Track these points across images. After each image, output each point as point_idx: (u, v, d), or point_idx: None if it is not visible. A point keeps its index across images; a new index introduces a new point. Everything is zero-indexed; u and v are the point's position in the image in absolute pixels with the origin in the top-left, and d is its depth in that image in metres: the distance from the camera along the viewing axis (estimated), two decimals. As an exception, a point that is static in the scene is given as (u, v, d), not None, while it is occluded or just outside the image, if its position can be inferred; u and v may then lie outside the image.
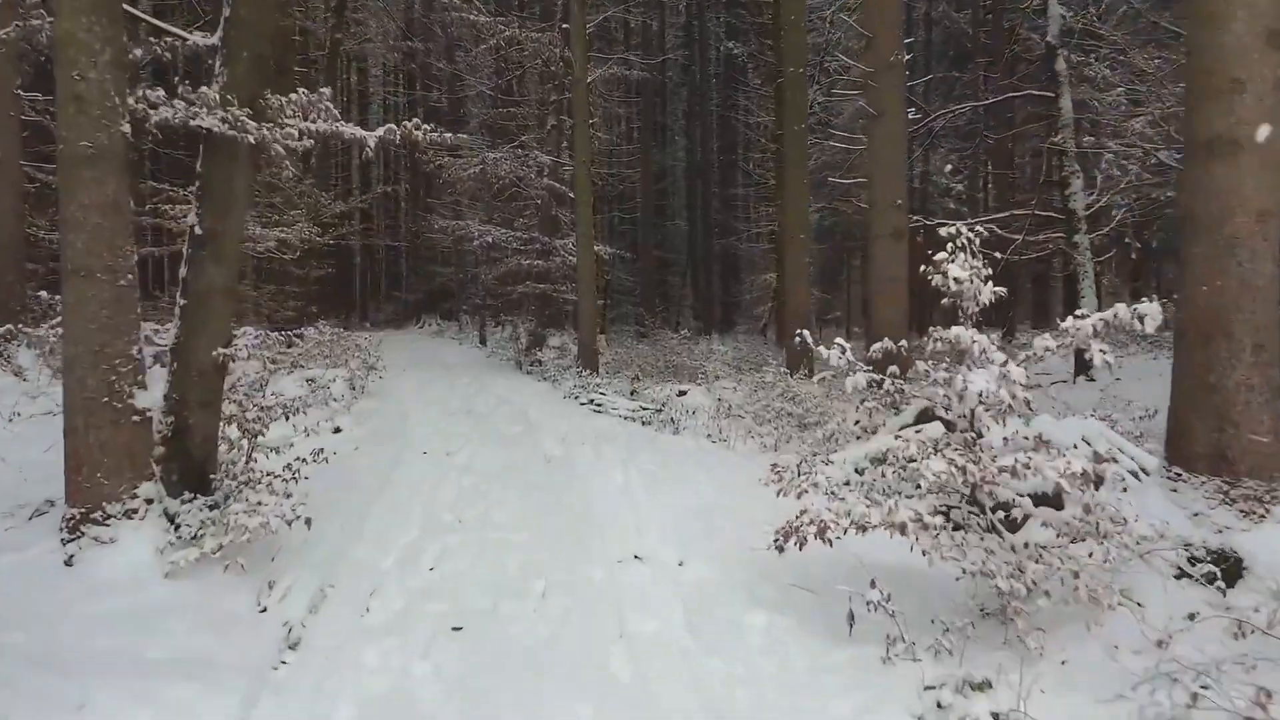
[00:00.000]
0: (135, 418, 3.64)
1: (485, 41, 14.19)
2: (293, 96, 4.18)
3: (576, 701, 2.83)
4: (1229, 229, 3.73)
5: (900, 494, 3.53)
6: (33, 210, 10.26)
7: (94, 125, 3.47)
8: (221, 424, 4.33)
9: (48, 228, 10.16)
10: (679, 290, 26.14)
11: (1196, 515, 3.75)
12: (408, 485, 5.63)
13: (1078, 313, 3.21)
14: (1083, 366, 10.66)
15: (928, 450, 3.24)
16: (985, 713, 2.70)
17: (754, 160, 21.36)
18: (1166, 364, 10.58)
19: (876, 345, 3.73)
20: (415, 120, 4.55)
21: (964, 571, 3.25)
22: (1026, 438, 3.38)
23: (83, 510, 3.53)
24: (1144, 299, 3.06)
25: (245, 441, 4.36)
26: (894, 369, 3.82)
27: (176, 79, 3.92)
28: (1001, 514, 3.51)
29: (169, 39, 4.18)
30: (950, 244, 3.40)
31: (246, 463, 4.33)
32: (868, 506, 3.26)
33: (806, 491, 3.51)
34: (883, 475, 3.58)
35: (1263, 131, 3.58)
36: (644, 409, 9.04)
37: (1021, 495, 3.46)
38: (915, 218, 11.38)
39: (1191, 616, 3.19)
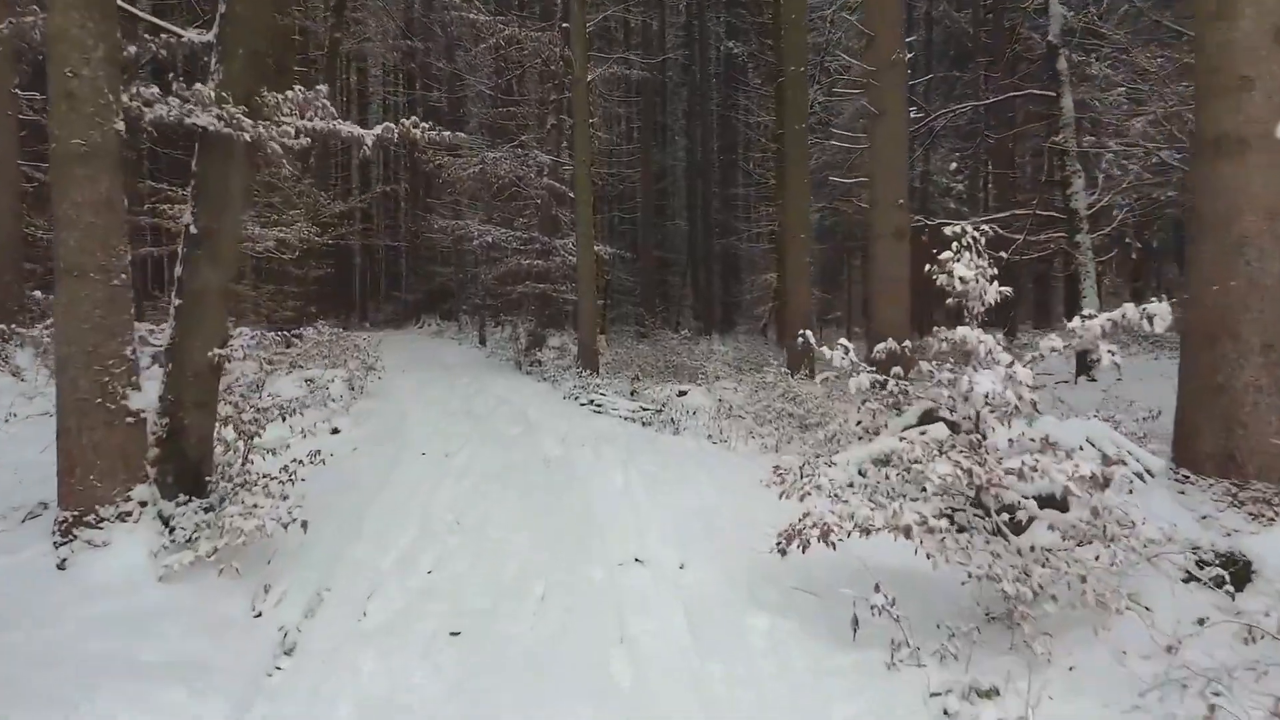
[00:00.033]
0: (129, 419, 3.59)
1: (485, 40, 14.15)
2: (289, 94, 4.13)
3: (576, 707, 2.79)
4: (1237, 228, 3.68)
5: (905, 496, 3.49)
6: (30, 210, 10.22)
7: (87, 123, 3.42)
8: (217, 425, 4.29)
9: (45, 227, 10.11)
10: (679, 290, 26.10)
11: (1204, 518, 3.70)
12: (406, 486, 5.58)
13: (1085, 313, 3.16)
14: (1084, 367, 10.62)
15: (933, 452, 3.19)
16: (993, 720, 2.66)
17: (754, 160, 21.32)
18: (1169, 364, 10.57)
19: (880, 346, 3.68)
20: (413, 118, 4.51)
21: (970, 575, 3.20)
22: (1033, 439, 3.33)
23: (76, 513, 3.48)
24: (1151, 299, 3.01)
25: (241, 443, 4.31)
26: (898, 370, 3.77)
27: (171, 76, 3.85)
28: (1006, 516, 3.46)
29: (164, 36, 4.13)
30: (955, 243, 3.35)
31: (242, 464, 4.28)
32: (872, 509, 3.22)
33: (809, 494, 3.46)
34: (886, 477, 3.53)
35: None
36: (644, 409, 8.99)
37: (1026, 497, 3.42)
38: (916, 217, 11.34)
39: (1201, 621, 3.14)
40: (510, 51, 14.23)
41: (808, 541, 3.27)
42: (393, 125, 4.45)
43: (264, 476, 4.13)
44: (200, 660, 2.87)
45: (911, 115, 11.11)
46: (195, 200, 4.03)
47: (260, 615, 3.33)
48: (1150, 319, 2.95)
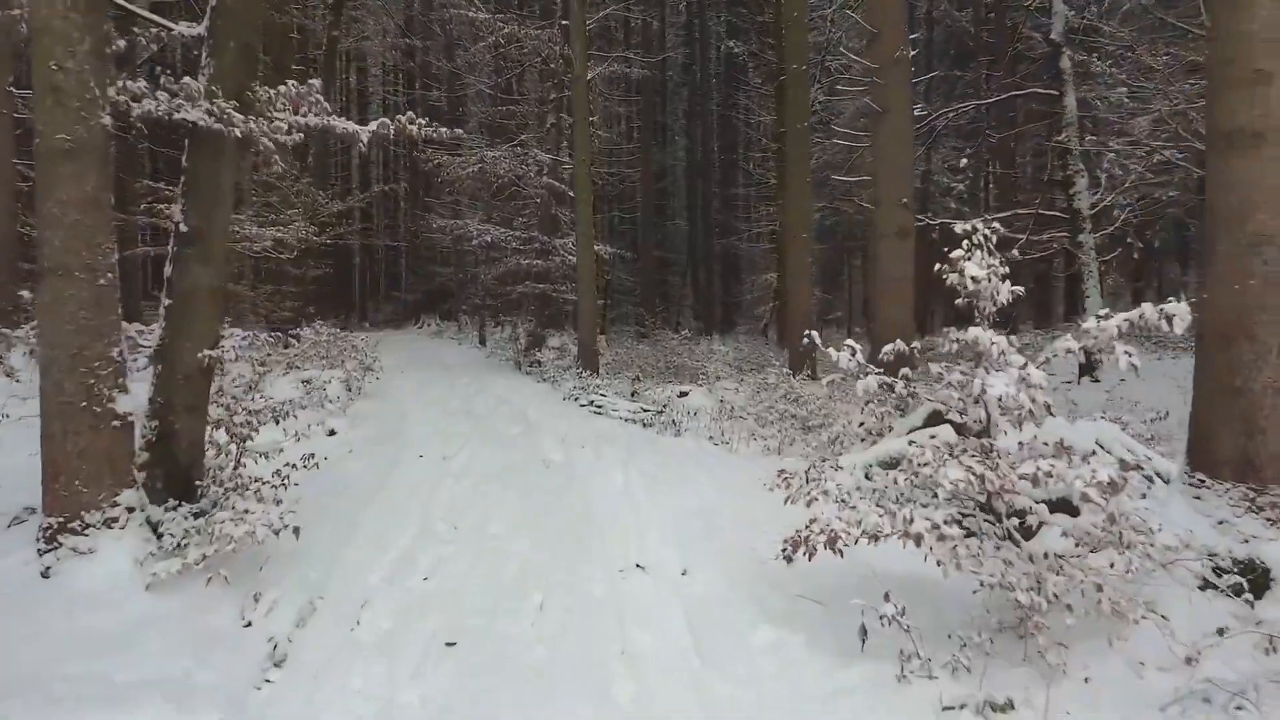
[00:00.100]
0: (115, 423, 3.49)
1: (484, 39, 14.05)
2: (282, 89, 4.03)
3: (576, 723, 2.69)
4: (1252, 225, 3.58)
5: (915, 502, 3.39)
6: (26, 208, 10.12)
7: (72, 118, 3.33)
8: (209, 428, 4.19)
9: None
10: (679, 290, 26.01)
11: (1221, 523, 3.60)
12: (403, 490, 5.48)
13: (1101, 313, 3.06)
14: (1087, 367, 10.53)
15: (943, 457, 3.10)
16: (1008, 736, 2.56)
17: (755, 159, 21.23)
18: (1172, 364, 10.46)
19: (888, 347, 3.58)
20: (409, 115, 4.41)
21: (981, 584, 3.10)
22: (1046, 443, 3.23)
23: (60, 519, 3.38)
24: (1155, 299, 2.92)
25: (233, 446, 4.22)
26: (906, 371, 3.68)
27: (159, 70, 3.74)
28: (1015, 521, 3.37)
29: (154, 29, 4.03)
30: (966, 241, 3.25)
31: (234, 468, 4.19)
32: (881, 515, 3.12)
33: (816, 499, 3.36)
34: (895, 482, 3.42)
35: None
36: (645, 410, 8.90)
37: (1037, 502, 3.33)
38: (919, 217, 11.24)
39: (1221, 631, 3.05)
40: (510, 50, 14.13)
41: (814, 549, 3.17)
42: (388, 121, 4.35)
43: (256, 481, 4.03)
44: (185, 675, 2.77)
45: (916, 113, 11.01)
46: (185, 198, 3.93)
47: (250, 625, 3.23)
48: (1169, 319, 2.85)
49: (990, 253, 3.24)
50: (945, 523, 3.08)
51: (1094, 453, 3.78)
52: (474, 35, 15.13)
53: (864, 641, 3.07)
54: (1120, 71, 11.12)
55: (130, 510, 3.50)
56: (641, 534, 4.60)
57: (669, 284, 25.54)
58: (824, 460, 4.03)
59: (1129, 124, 10.90)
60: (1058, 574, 3.09)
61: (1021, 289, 3.35)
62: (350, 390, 9.16)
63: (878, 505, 3.44)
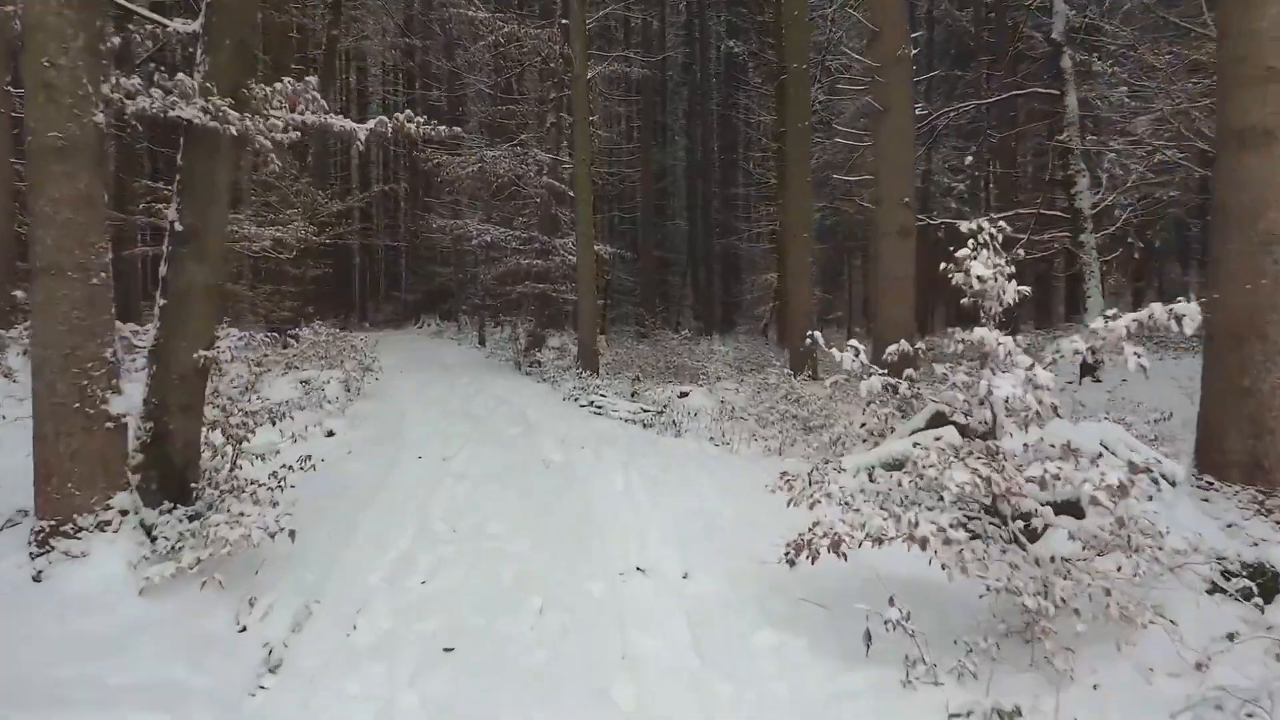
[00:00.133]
0: (108, 424, 3.45)
1: (484, 38, 14.00)
2: (278, 86, 3.98)
3: (576, 730, 2.64)
4: (1264, 224, 3.54)
5: (920, 505, 3.34)
6: (24, 208, 10.06)
7: (65, 115, 3.28)
8: (204, 430, 4.14)
9: (37, 226, 9.96)
10: (679, 290, 25.97)
11: (1230, 526, 3.56)
12: (401, 491, 5.44)
13: (1108, 313, 3.02)
14: (1088, 368, 10.48)
15: (949, 459, 3.05)
16: (1016, 745, 2.52)
17: (755, 159, 21.20)
18: (1174, 365, 10.42)
19: (892, 348, 3.53)
20: (408, 113, 4.36)
21: (988, 588, 3.05)
22: (1053, 445, 3.19)
23: (53, 522, 3.33)
24: (1169, 299, 2.87)
25: (229, 448, 4.17)
26: (910, 372, 3.63)
27: (153, 67, 3.70)
28: (1020, 523, 3.33)
29: (150, 26, 3.98)
30: (972, 240, 3.21)
31: (230, 470, 4.14)
32: (885, 518, 3.07)
33: (819, 502, 3.31)
34: (899, 484, 3.38)
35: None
36: (645, 411, 8.85)
37: (1043, 504, 3.28)
38: (920, 217, 11.20)
39: (1231, 637, 3.00)
40: (510, 49, 14.09)
41: (817, 552, 3.13)
42: (386, 119, 4.30)
43: (252, 483, 3.98)
44: (178, 681, 2.72)
45: (916, 112, 10.96)
46: (180, 196, 3.88)
47: (245, 630, 3.18)
48: (1179, 320, 2.81)
49: (996, 252, 3.20)
50: (951, 526, 3.03)
51: (1100, 455, 3.74)
52: (474, 34, 15.09)
53: (868, 646, 3.02)
54: (1122, 70, 11.07)
55: (123, 513, 3.45)
56: (642, 536, 4.55)
57: (669, 284, 25.49)
58: (827, 462, 3.97)
59: (1130, 123, 10.86)
60: (1065, 578, 3.04)
61: (1028, 289, 3.30)
62: (349, 391, 9.11)
63: (882, 508, 3.39)
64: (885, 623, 2.98)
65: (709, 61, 24.45)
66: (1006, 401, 2.97)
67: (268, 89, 3.97)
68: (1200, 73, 9.27)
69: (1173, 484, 4.15)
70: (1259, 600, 3.23)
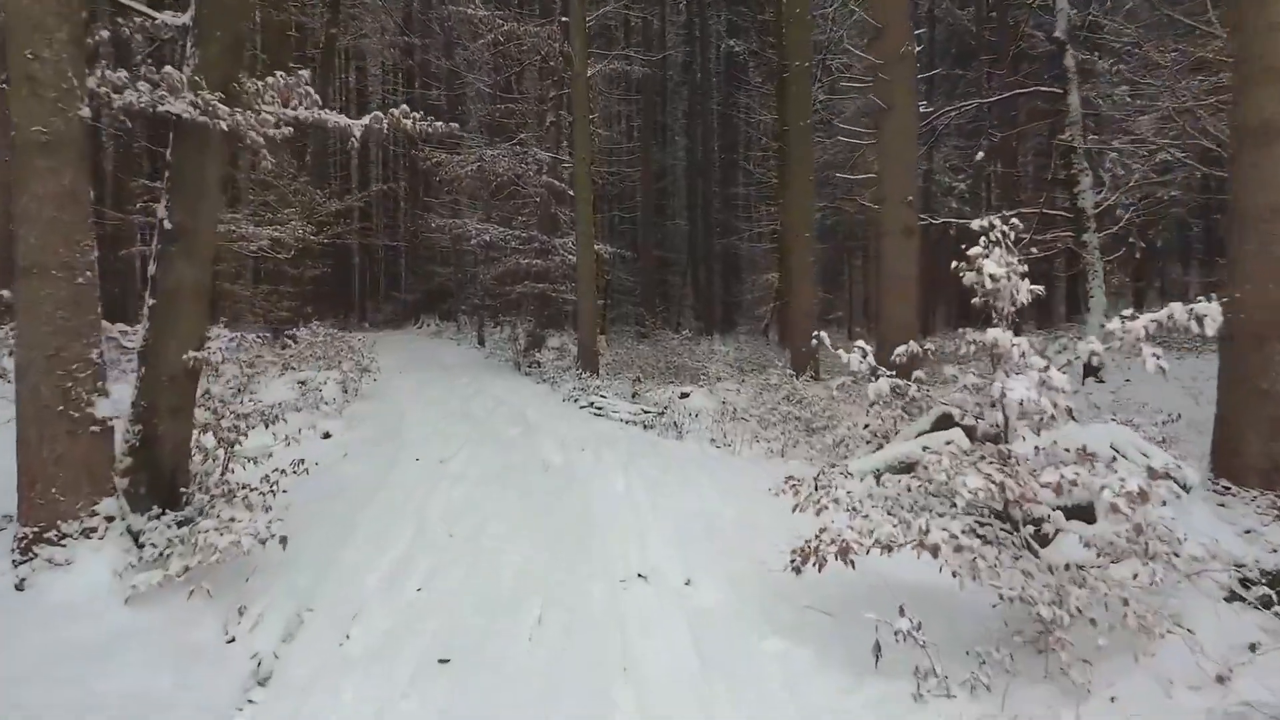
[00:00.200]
0: (94, 428, 3.35)
1: (483, 36, 13.89)
2: (270, 80, 3.89)
3: (576, 746, 2.54)
4: (1281, 222, 3.46)
5: (930, 511, 3.25)
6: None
7: (49, 109, 3.18)
8: (195, 432, 4.04)
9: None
10: (679, 290, 25.87)
11: (1248, 532, 3.47)
12: (398, 493, 5.34)
13: (1125, 313, 2.92)
14: (1091, 368, 10.39)
15: (961, 464, 2.95)
16: (1034, 762, 2.42)
17: (755, 159, 21.12)
18: (1177, 365, 10.34)
19: (900, 348, 3.44)
20: (403, 108, 4.26)
21: (1001, 597, 2.95)
22: (1067, 449, 3.09)
23: (36, 529, 3.23)
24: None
25: (221, 451, 4.07)
26: (919, 374, 3.53)
27: (139, 60, 3.60)
28: (1031, 528, 3.24)
29: (139, 19, 3.89)
30: (984, 238, 3.11)
31: (222, 474, 4.04)
32: (895, 525, 2.98)
33: (826, 508, 3.22)
34: (908, 489, 3.28)
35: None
36: (645, 412, 8.76)
37: (1055, 509, 3.19)
38: (922, 216, 11.11)
39: (1253, 647, 2.91)
40: (509, 47, 13.99)
41: (824, 560, 3.04)
42: (382, 115, 4.20)
43: (244, 487, 3.89)
44: (164, 694, 2.62)
45: (920, 110, 10.86)
46: (170, 193, 3.79)
47: (233, 640, 3.08)
48: (1200, 320, 2.71)
49: (1009, 250, 3.10)
50: (963, 533, 2.94)
51: (1115, 459, 3.65)
52: (473, 33, 14.98)
53: (878, 658, 2.92)
54: (1126, 68, 10.98)
55: (109, 519, 3.35)
56: (643, 541, 4.46)
57: (669, 284, 25.40)
58: (833, 466, 3.88)
59: (1134, 122, 10.77)
60: (1080, 586, 2.95)
61: (1040, 288, 3.21)
62: (347, 392, 9.02)
63: (890, 514, 3.30)
64: (895, 633, 2.88)
65: (709, 60, 24.36)
66: (1021, 404, 2.87)
67: (260, 83, 3.88)
68: (1205, 70, 9.17)
69: (1187, 490, 4.07)
70: (1279, 609, 3.14)
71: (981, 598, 3.18)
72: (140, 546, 3.35)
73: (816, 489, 3.43)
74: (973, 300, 3.24)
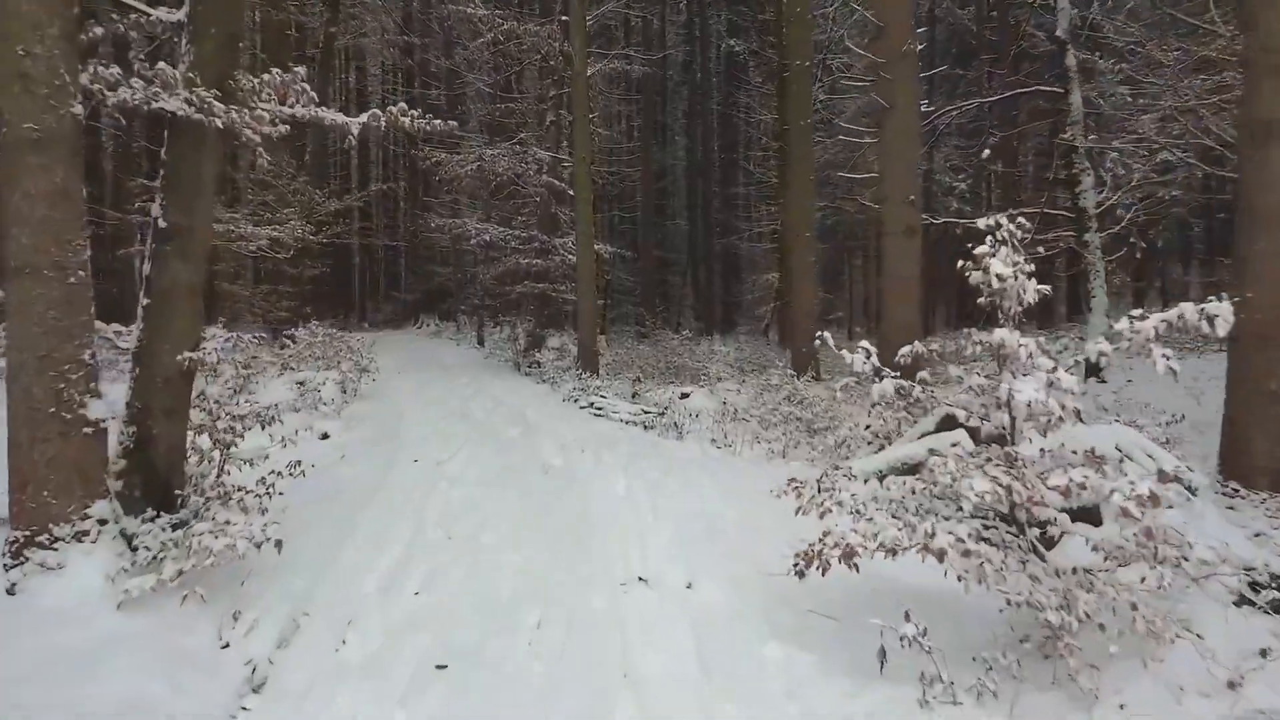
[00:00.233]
0: (87, 429, 3.30)
1: (483, 35, 13.85)
2: (266, 77, 3.84)
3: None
4: (1292, 221, 3.41)
5: (936, 514, 3.20)
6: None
7: (41, 106, 3.13)
8: (191, 434, 3.99)
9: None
10: (680, 290, 25.83)
11: (1257, 535, 3.42)
12: (396, 495, 5.30)
13: (1134, 313, 2.87)
14: (1092, 368, 10.35)
15: (967, 467, 2.90)
16: (1043, 771, 2.37)
17: (755, 159, 21.08)
18: (1179, 365, 10.30)
19: (904, 349, 3.39)
20: (401, 105, 4.21)
21: (1008, 602, 2.91)
22: (1075, 451, 3.05)
23: (28, 533, 3.18)
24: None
25: (217, 453, 4.02)
26: (924, 375, 3.49)
27: (132, 56, 3.55)
28: (1037, 531, 3.19)
29: (133, 15, 3.84)
30: (990, 237, 3.06)
31: (218, 476, 3.99)
32: (900, 529, 2.93)
33: (830, 511, 3.17)
34: (913, 492, 3.24)
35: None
36: (646, 412, 8.71)
37: (1060, 511, 3.14)
38: (924, 216, 11.07)
39: (1264, 653, 2.86)
40: (509, 46, 13.94)
41: (828, 563, 2.99)
42: (379, 112, 4.15)
43: (240, 489, 3.84)
44: (156, 701, 2.57)
45: (922, 109, 10.81)
46: (165, 192, 3.74)
47: (227, 646, 3.03)
48: (1211, 320, 2.67)
49: (1016, 249, 3.06)
50: (969, 536, 2.89)
51: (1122, 460, 3.60)
52: (473, 32, 14.93)
53: (883, 664, 2.88)
54: (1129, 67, 10.94)
55: (102, 523, 3.30)
56: (644, 544, 4.41)
57: (669, 284, 25.35)
58: (836, 468, 3.82)
59: (1136, 121, 10.73)
60: (1088, 591, 2.90)
61: (1048, 288, 3.16)
62: (345, 392, 8.97)
63: (895, 517, 3.25)
64: (900, 638, 2.83)
65: (709, 60, 24.32)
66: (1029, 406, 2.82)
67: (256, 80, 3.83)
68: (1209, 69, 9.13)
69: (1194, 492, 4.02)
70: (1290, 613, 3.10)
71: (987, 601, 3.13)
72: (134, 550, 3.30)
73: (820, 491, 3.39)
74: (978, 300, 3.19)
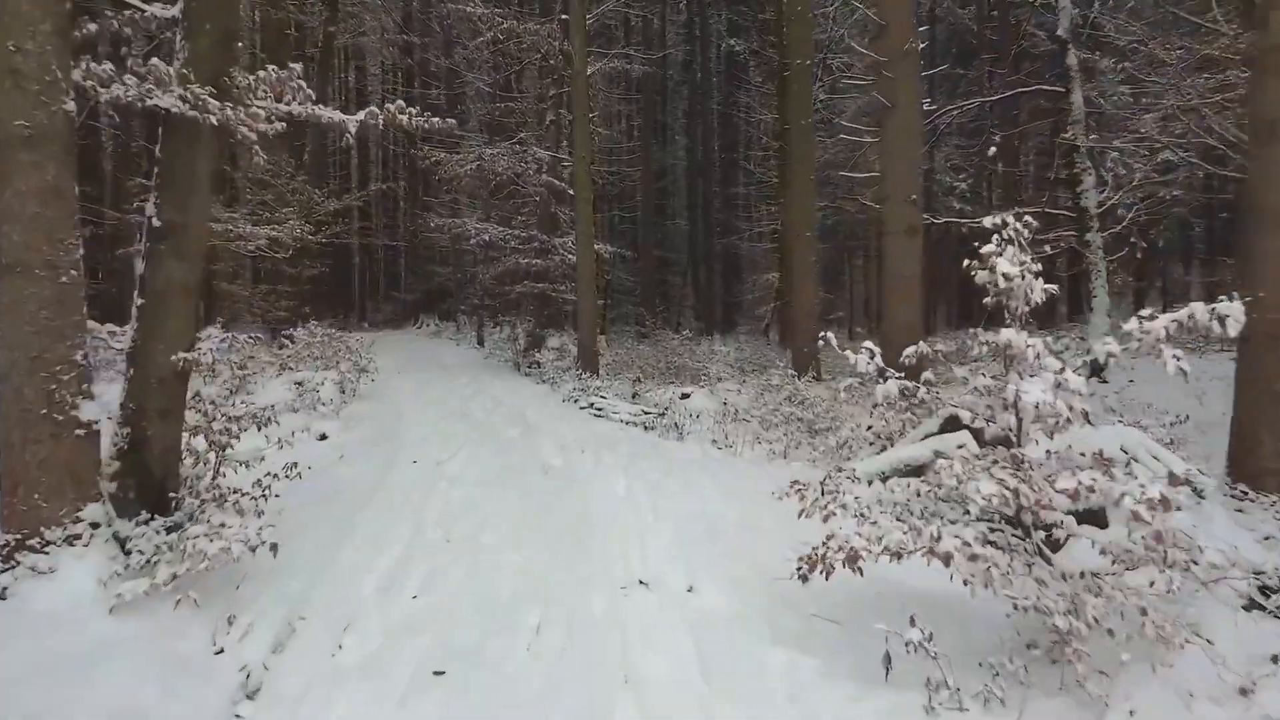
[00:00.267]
0: (79, 431, 3.25)
1: (483, 34, 13.79)
2: (261, 74, 3.79)
3: (575, 762, 2.45)
4: (1301, 219, 3.36)
5: (941, 517, 3.15)
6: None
7: (32, 103, 3.08)
8: (186, 436, 3.94)
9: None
10: (680, 290, 25.79)
11: (1267, 539, 3.37)
12: (394, 496, 5.25)
13: (1143, 313, 2.83)
14: (1095, 368, 10.30)
15: (974, 469, 2.86)
16: (1053, 780, 2.33)
17: (755, 158, 21.03)
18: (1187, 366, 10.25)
19: (909, 350, 3.34)
20: (399, 103, 4.17)
21: (1015, 607, 2.86)
22: (1083, 454, 3.00)
23: (18, 536, 3.13)
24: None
25: (213, 454, 3.97)
26: (929, 376, 3.44)
27: (125, 52, 3.50)
28: (1042, 533, 3.15)
29: (127, 11, 3.79)
30: (996, 235, 3.02)
31: (213, 478, 3.94)
32: (905, 532, 2.88)
33: (834, 514, 3.12)
34: (918, 494, 3.19)
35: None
36: (646, 413, 8.66)
37: (1066, 513, 3.10)
38: (924, 216, 11.02)
39: (1276, 659, 2.81)
40: (509, 45, 13.89)
41: (832, 567, 2.94)
42: (377, 110, 4.11)
43: (235, 491, 3.79)
44: (148, 707, 2.52)
45: (924, 108, 10.76)
46: (159, 190, 3.69)
47: (222, 651, 2.98)
48: (1222, 320, 2.62)
49: (1023, 248, 3.01)
50: (976, 540, 2.84)
51: (1129, 463, 3.55)
52: (473, 31, 14.89)
53: (888, 670, 2.83)
54: (1132, 66, 10.89)
55: (95, 526, 3.25)
56: (644, 546, 4.36)
57: (669, 284, 25.31)
58: (839, 470, 3.78)
59: (1138, 121, 10.69)
60: (1096, 595, 2.86)
61: (1055, 287, 3.11)
62: (344, 392, 8.92)
63: (899, 520, 3.21)
64: (906, 644, 2.79)
65: (709, 60, 24.27)
66: (1037, 407, 2.77)
67: (251, 77, 3.78)
68: (1212, 68, 9.09)
69: (1202, 495, 3.98)
70: (1300, 618, 3.05)
71: (993, 605, 3.09)
72: (127, 553, 3.26)
73: (823, 494, 3.34)
74: (984, 300, 3.15)
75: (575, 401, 9.63)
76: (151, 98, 3.40)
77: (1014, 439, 3.18)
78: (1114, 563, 3.00)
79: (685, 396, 9.41)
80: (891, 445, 6.27)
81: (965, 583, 2.91)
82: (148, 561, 3.20)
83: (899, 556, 2.91)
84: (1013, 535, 3.17)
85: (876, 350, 3.34)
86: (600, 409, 9.09)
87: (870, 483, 4.30)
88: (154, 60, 3.37)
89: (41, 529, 3.14)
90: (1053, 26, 11.55)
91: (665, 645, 3.17)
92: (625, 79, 18.89)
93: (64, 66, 3.19)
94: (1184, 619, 2.93)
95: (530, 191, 13.89)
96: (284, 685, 2.82)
